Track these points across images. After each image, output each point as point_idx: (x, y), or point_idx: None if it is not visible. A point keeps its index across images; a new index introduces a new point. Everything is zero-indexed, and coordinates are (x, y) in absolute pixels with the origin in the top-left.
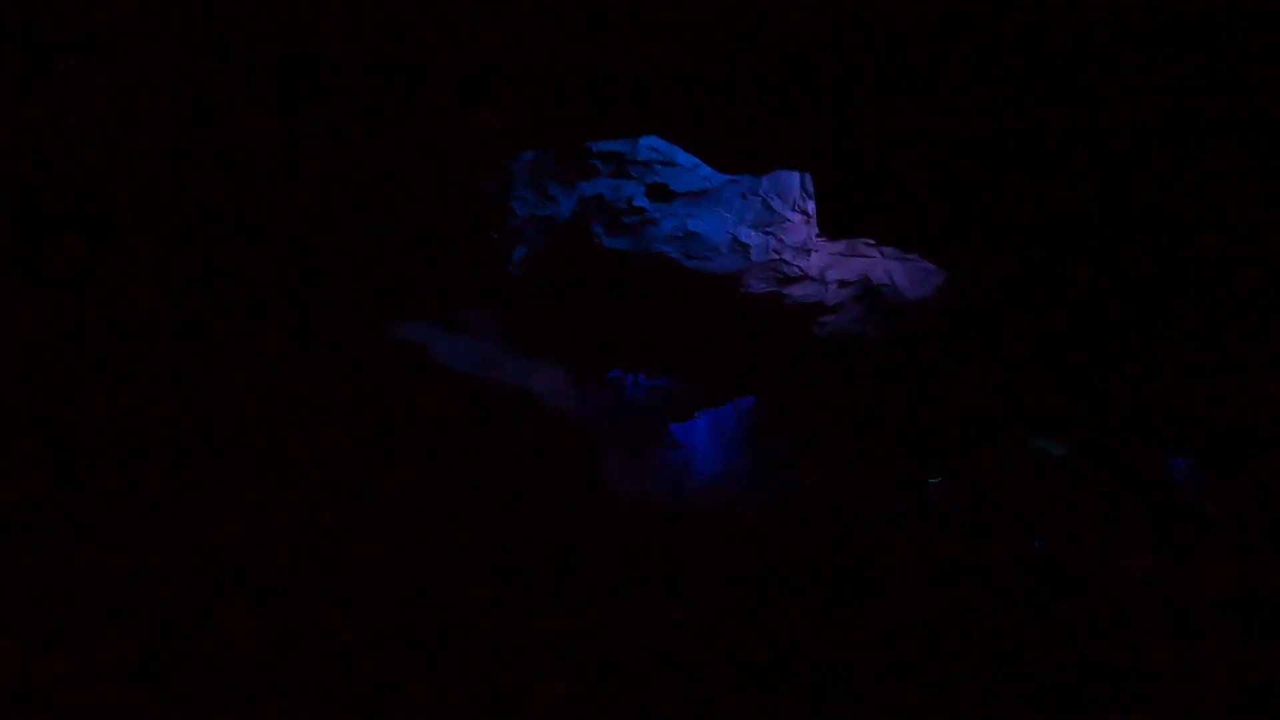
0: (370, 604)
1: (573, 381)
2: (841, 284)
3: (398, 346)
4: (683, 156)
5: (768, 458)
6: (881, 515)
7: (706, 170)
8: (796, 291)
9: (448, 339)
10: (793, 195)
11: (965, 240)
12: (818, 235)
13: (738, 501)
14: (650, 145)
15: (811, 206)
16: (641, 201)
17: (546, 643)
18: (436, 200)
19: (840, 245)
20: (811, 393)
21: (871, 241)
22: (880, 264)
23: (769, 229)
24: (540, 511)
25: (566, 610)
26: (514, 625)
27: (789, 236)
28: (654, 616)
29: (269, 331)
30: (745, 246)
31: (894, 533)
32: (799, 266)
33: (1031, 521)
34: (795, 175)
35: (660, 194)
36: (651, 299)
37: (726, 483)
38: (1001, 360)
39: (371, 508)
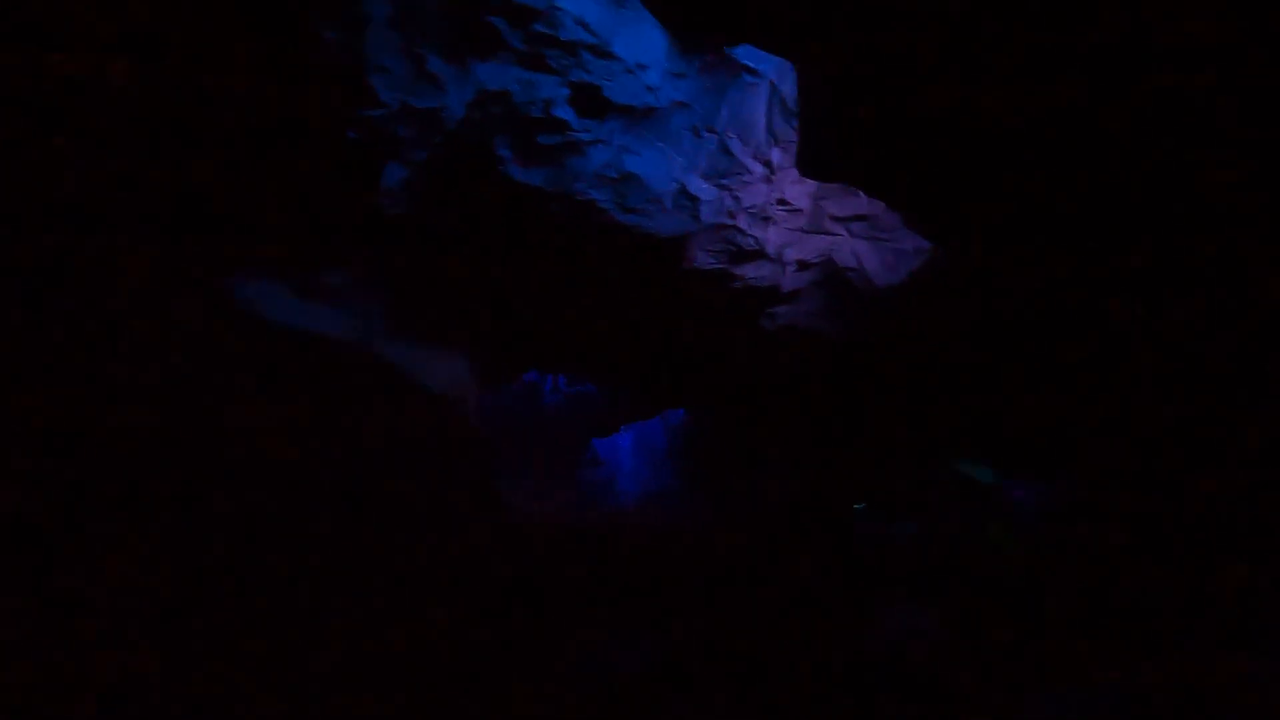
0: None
1: (475, 380)
2: (801, 265)
3: (233, 309)
4: (622, 42)
5: (699, 478)
6: (815, 542)
7: (653, 75)
8: (749, 271)
9: (302, 306)
10: (756, 137)
11: (974, 202)
12: (793, 182)
13: (664, 527)
14: (578, 16)
15: (777, 155)
16: (564, 111)
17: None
18: (247, 60)
19: (802, 217)
20: (752, 407)
21: (840, 215)
22: (847, 243)
23: (724, 180)
24: (431, 538)
25: (464, 647)
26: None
27: (747, 196)
28: (567, 649)
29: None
30: (694, 201)
31: (828, 559)
32: (754, 238)
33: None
34: (761, 109)
35: (590, 103)
36: (574, 263)
37: (652, 506)
38: (970, 369)
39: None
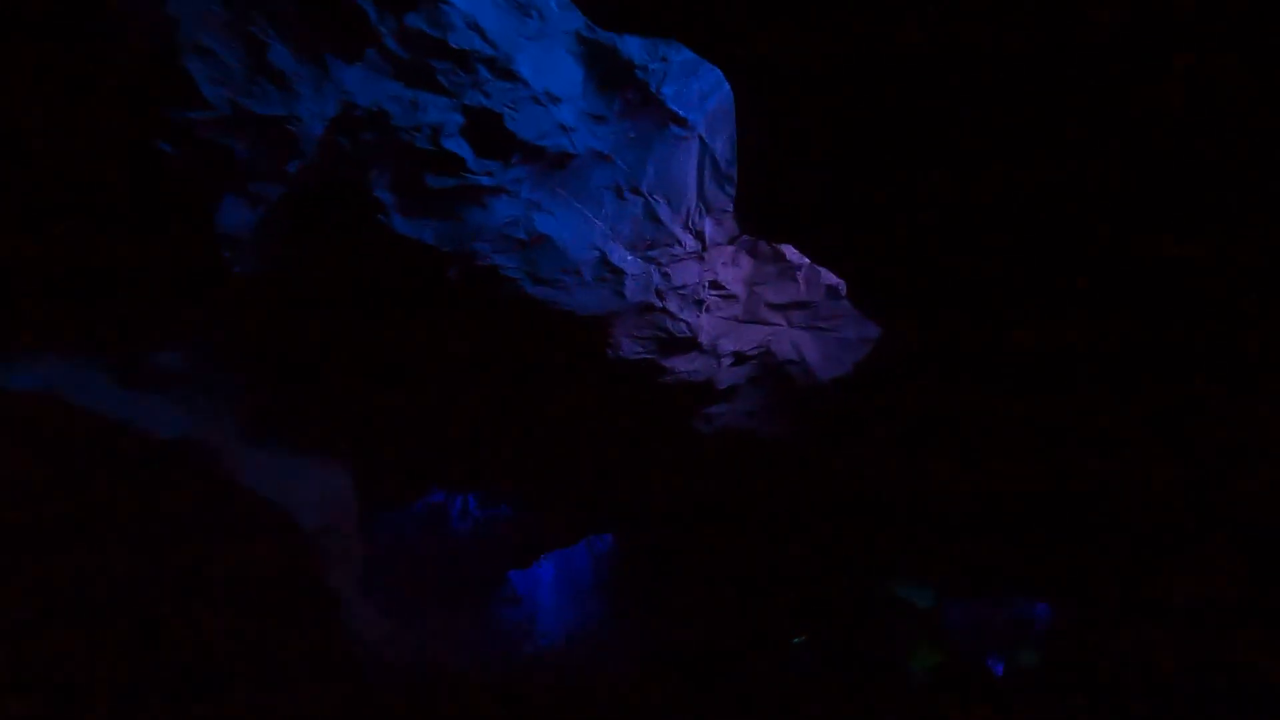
0: None
1: (359, 500)
2: (737, 358)
3: (14, 401)
4: (528, 61)
5: (627, 614)
6: (752, 677)
7: (566, 112)
8: (680, 365)
9: (124, 395)
10: (686, 203)
11: (935, 276)
12: (725, 263)
13: (589, 671)
14: (470, 17)
15: (709, 227)
16: (457, 145)
17: None
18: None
19: (737, 305)
20: (682, 528)
21: (777, 302)
22: (786, 333)
23: (652, 253)
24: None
25: None
26: None
27: (677, 273)
28: None
29: None
30: (618, 274)
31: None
32: (686, 323)
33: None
34: (691, 168)
35: (490, 136)
36: (476, 347)
37: (576, 646)
38: (914, 478)
39: None
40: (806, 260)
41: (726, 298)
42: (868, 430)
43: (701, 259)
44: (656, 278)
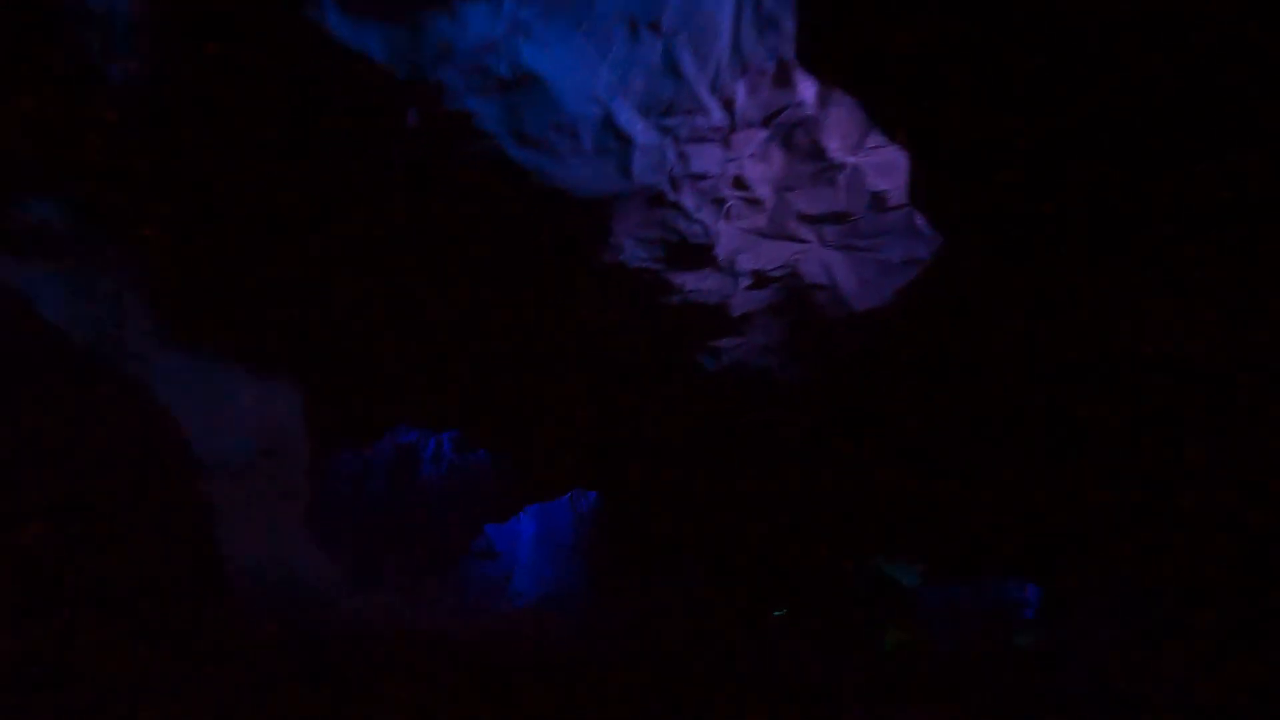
0: None
1: (309, 430)
2: (757, 280)
3: None
4: None
5: (608, 574)
6: (736, 657)
7: None
8: (691, 282)
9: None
10: (716, 54)
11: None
12: (754, 156)
13: (565, 633)
14: None
15: (741, 94)
16: None
17: None
18: None
19: (762, 214)
20: (677, 487)
21: (810, 213)
22: (816, 253)
23: (668, 120)
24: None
25: None
26: None
27: (697, 156)
28: None
29: None
30: (625, 143)
31: (749, 678)
32: (702, 226)
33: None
34: (727, 5)
35: None
36: (437, 226)
37: (553, 607)
38: (943, 432)
39: None
40: (851, 159)
41: (750, 203)
42: (900, 378)
43: (727, 143)
44: (671, 156)
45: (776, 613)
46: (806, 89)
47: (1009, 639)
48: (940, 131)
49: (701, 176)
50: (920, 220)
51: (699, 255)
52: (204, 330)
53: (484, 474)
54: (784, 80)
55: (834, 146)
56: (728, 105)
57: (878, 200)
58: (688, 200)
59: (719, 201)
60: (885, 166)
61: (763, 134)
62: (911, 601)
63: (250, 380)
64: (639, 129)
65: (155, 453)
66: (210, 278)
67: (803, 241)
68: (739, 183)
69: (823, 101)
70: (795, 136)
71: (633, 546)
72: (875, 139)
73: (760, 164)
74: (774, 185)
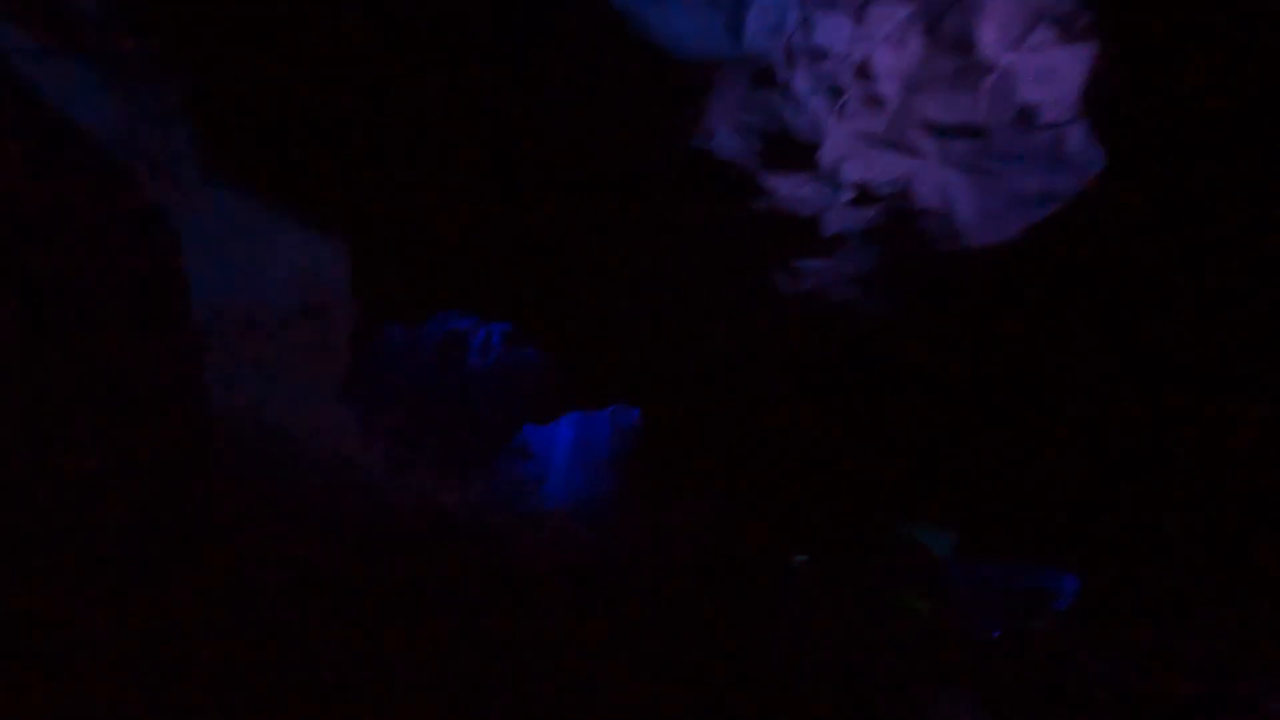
0: None
1: (351, 291)
2: (861, 195)
3: None
4: None
5: (640, 495)
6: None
7: None
8: (784, 187)
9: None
10: None
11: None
12: (889, 39)
13: (588, 542)
14: None
15: None
16: None
17: None
18: None
19: (882, 115)
20: (726, 416)
21: (938, 121)
22: (936, 171)
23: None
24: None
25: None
26: None
27: (824, 26)
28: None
29: None
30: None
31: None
32: (812, 120)
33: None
34: None
35: None
36: (501, 85)
37: (580, 516)
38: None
39: None
40: (1005, 59)
41: (871, 101)
42: (1005, 329)
43: (860, 16)
44: (793, 19)
45: (798, 559)
46: None
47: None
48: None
49: (823, 55)
50: (1074, 145)
51: (800, 156)
52: (255, 169)
53: (529, 373)
54: None
55: (988, 40)
56: None
57: (1025, 115)
58: (800, 83)
59: (835, 92)
60: (1045, 73)
61: (904, 11)
62: (939, 571)
63: (297, 232)
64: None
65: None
66: (271, 112)
67: (921, 156)
68: (863, 71)
69: None
70: (945, 21)
71: (667, 469)
72: (1042, 34)
73: (894, 51)
74: (903, 80)
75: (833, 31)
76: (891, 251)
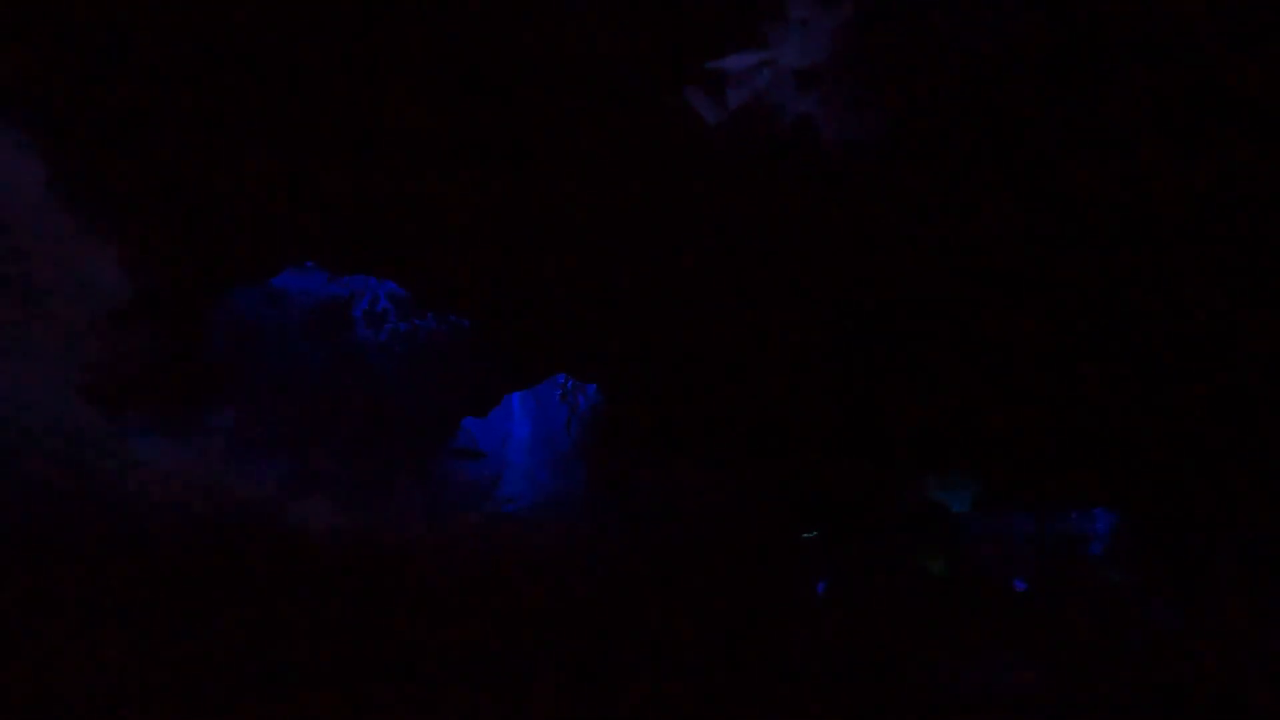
0: None
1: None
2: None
3: None
4: None
5: (610, 485)
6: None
7: None
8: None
9: None
10: None
11: None
12: None
13: (558, 548)
14: None
15: None
16: None
17: None
18: None
19: None
20: (683, 374)
21: None
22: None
23: None
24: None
25: None
26: None
27: None
28: None
29: None
30: None
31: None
32: None
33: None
34: None
35: None
36: None
37: (547, 517)
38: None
39: None
40: None
41: None
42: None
43: None
44: None
45: (807, 534)
46: None
47: (1067, 572)
48: None
49: None
50: None
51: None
52: None
53: (440, 348)
54: None
55: None
56: None
57: None
58: None
59: None
60: None
61: None
62: (958, 528)
63: None
64: None
65: None
66: None
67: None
68: None
69: None
70: None
71: (635, 447)
72: None
73: None
74: None
75: None
76: (859, 27)
